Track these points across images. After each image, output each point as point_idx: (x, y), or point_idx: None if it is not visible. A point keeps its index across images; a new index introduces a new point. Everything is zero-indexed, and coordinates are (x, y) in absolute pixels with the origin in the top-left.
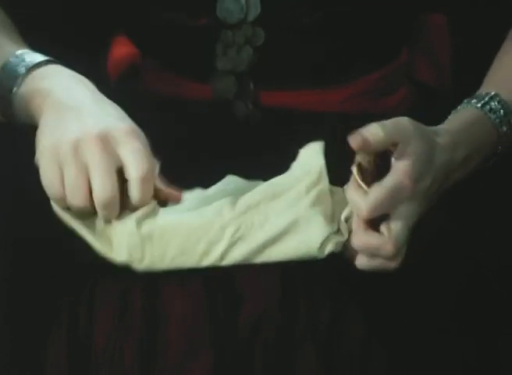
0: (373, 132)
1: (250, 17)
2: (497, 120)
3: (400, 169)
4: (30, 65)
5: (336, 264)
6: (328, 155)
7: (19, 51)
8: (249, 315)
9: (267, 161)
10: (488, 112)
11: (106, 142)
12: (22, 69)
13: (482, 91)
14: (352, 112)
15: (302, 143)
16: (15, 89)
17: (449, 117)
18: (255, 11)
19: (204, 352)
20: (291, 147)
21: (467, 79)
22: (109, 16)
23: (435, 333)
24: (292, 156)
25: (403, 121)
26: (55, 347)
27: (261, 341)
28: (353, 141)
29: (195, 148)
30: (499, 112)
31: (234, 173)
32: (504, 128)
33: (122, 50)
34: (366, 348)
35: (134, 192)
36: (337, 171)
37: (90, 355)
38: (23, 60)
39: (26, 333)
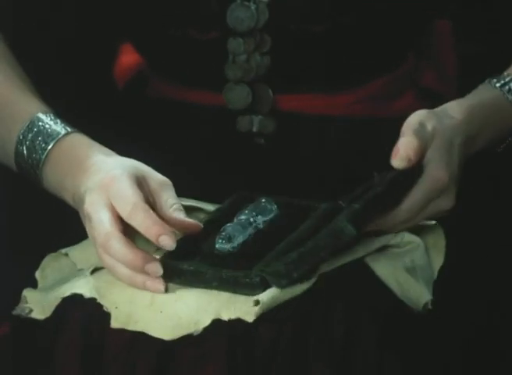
0: (409, 146)
1: (260, 24)
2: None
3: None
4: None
5: (350, 281)
6: (337, 161)
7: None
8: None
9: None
10: (507, 93)
11: None
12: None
13: (506, 72)
14: (358, 116)
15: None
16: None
17: (468, 94)
18: (264, 18)
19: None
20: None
21: (473, 85)
22: (118, 29)
23: (449, 348)
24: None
25: (414, 120)
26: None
27: (276, 358)
28: (399, 162)
29: (202, 157)
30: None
31: (242, 184)
32: (506, 87)
33: (129, 58)
34: (380, 364)
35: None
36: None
37: None
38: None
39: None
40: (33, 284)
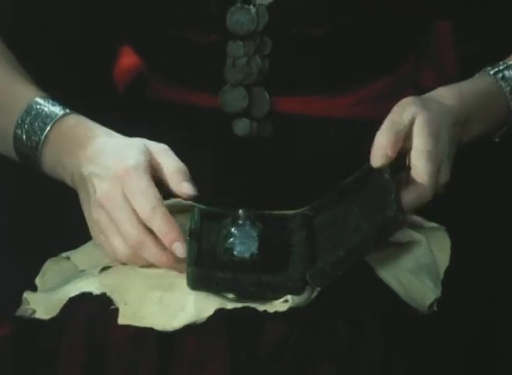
0: (383, 143)
1: (260, 27)
2: (508, 88)
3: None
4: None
5: (354, 281)
6: (337, 162)
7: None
8: (269, 341)
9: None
10: (500, 80)
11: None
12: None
13: (502, 61)
14: (359, 117)
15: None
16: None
17: (461, 81)
18: (264, 21)
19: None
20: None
21: None
22: (118, 31)
23: (452, 348)
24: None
25: (394, 110)
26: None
27: (281, 363)
28: (378, 161)
29: (201, 158)
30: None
31: (240, 186)
32: (500, 74)
33: (129, 60)
34: (385, 364)
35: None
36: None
37: None
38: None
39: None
40: (33, 287)
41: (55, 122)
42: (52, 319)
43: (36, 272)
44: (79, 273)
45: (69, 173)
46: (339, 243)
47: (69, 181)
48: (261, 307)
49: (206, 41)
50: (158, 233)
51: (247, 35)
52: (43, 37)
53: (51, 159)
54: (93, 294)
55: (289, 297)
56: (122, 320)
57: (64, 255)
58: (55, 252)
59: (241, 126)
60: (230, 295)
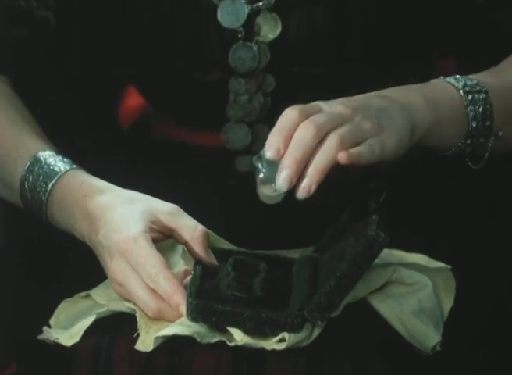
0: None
1: (262, 64)
2: (462, 86)
3: None
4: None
5: (357, 320)
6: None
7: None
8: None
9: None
10: (460, 85)
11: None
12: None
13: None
14: None
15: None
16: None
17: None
18: (265, 58)
19: None
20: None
21: None
22: (122, 72)
23: None
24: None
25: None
26: None
27: None
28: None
29: (204, 195)
30: (465, 82)
31: (243, 221)
32: (470, 96)
33: (134, 101)
34: None
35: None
36: None
37: None
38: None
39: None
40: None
41: (56, 181)
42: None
43: (40, 313)
44: (99, 306)
45: (78, 234)
46: (333, 273)
47: (81, 239)
48: (258, 344)
49: (208, 79)
50: (164, 297)
51: (249, 72)
52: (48, 79)
53: (58, 219)
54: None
55: (286, 335)
56: (139, 346)
57: (83, 294)
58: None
59: (244, 163)
60: (235, 331)
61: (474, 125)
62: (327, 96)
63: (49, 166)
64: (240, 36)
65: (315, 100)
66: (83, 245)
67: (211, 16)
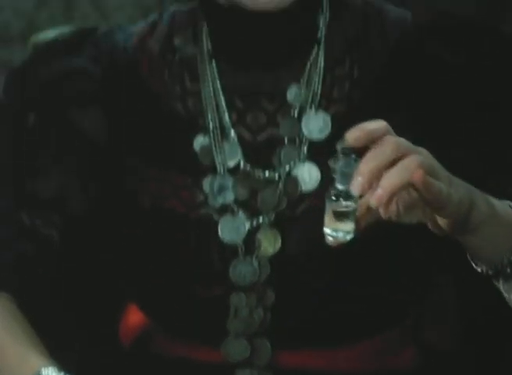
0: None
1: (262, 279)
2: None
3: None
4: None
5: None
6: None
7: None
8: None
9: None
10: None
11: None
12: None
13: None
14: (361, 371)
15: None
16: None
17: None
18: (265, 272)
19: None
20: None
21: (475, 339)
22: (122, 288)
23: None
24: None
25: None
26: None
27: None
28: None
29: None
30: None
31: None
32: None
33: (135, 318)
34: None
35: None
36: None
37: None
38: None
39: None
40: None
41: None
42: None
43: None
44: None
45: None
46: None
47: None
48: None
49: (209, 295)
50: None
51: (249, 287)
52: (50, 296)
53: None
54: None
55: None
56: None
57: None
58: None
59: None
60: None
61: None
62: (325, 311)
63: None
64: (240, 251)
65: (316, 315)
66: None
67: (212, 232)
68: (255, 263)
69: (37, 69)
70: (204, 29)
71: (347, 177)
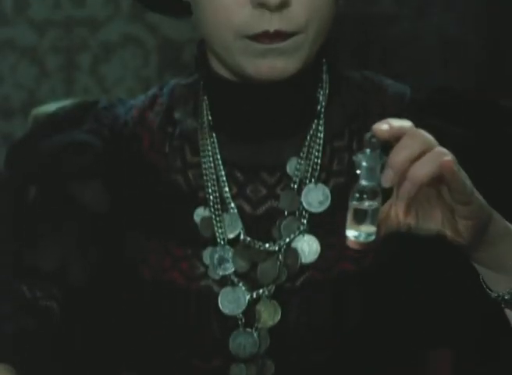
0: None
1: (262, 350)
2: None
3: None
4: None
5: None
6: None
7: None
8: None
9: None
10: None
11: None
12: None
13: None
14: None
15: None
16: None
17: None
18: (265, 344)
19: None
20: None
21: None
22: (121, 358)
23: None
24: None
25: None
26: None
27: None
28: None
29: None
30: None
31: None
32: None
33: None
34: None
35: None
36: None
37: None
38: None
39: None
40: None
41: None
42: None
43: None
44: None
45: None
46: None
47: None
48: None
49: (208, 367)
50: None
51: (249, 358)
52: (49, 366)
53: None
54: None
55: None
56: None
57: None
58: None
59: None
60: None
61: None
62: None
63: None
64: (240, 322)
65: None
66: None
67: (212, 304)
68: (255, 335)
69: (38, 142)
70: (205, 102)
71: (372, 172)
